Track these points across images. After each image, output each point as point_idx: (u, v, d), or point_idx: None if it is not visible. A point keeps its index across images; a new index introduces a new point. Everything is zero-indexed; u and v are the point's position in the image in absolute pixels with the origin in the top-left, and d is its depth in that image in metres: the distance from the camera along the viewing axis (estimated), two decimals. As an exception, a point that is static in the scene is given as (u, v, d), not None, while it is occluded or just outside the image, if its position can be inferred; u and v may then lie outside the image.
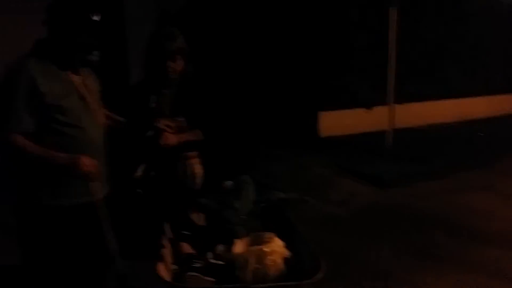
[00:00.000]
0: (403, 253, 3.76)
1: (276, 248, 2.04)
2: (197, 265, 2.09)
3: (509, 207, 4.73)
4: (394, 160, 5.96)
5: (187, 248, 2.24)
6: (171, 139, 2.52)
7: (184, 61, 2.60)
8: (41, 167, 2.12)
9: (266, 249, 2.01)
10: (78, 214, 2.21)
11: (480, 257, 3.68)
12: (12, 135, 2.03)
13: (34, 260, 2.25)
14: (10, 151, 2.11)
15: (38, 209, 2.17)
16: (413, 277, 3.41)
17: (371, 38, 7.28)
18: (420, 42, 7.76)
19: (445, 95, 8.14)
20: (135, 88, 2.73)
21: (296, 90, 7.36)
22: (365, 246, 3.88)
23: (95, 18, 2.15)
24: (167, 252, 2.14)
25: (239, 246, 2.11)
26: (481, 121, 8.24)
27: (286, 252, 2.07)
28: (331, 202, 4.90)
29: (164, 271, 1.94)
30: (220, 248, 2.18)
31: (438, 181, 5.40)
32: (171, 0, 8.47)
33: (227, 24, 7.95)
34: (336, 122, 7.27)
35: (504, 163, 6.04)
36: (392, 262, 3.63)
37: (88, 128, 2.19)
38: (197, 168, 2.74)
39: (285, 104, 7.42)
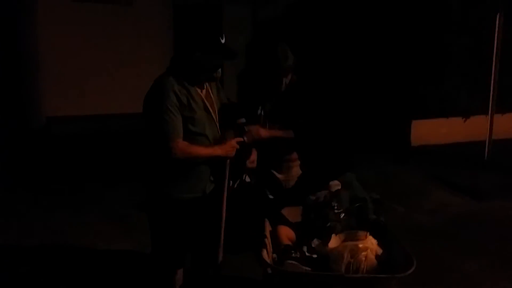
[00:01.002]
0: (494, 265, 3.72)
1: (369, 245, 2.20)
2: (295, 255, 2.31)
3: None
4: (490, 172, 5.77)
5: (286, 239, 2.47)
6: (263, 132, 2.75)
7: (292, 75, 2.86)
8: (171, 167, 2.47)
9: (360, 245, 2.18)
10: (197, 206, 2.56)
11: None
12: (175, 142, 2.38)
13: (163, 246, 2.63)
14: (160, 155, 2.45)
15: (167, 202, 2.54)
16: (500, 286, 3.39)
17: (471, 44, 7.08)
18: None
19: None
20: (247, 97, 3.03)
21: (391, 97, 7.34)
22: (455, 255, 3.88)
23: (223, 41, 2.46)
24: (268, 242, 2.38)
25: (334, 241, 2.30)
26: None
27: (379, 250, 2.22)
28: (422, 211, 4.90)
29: (267, 257, 2.19)
30: (316, 242, 2.38)
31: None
32: (266, 10, 8.82)
33: (321, 30, 8.12)
34: (430, 131, 7.16)
35: None
36: (481, 272, 3.61)
37: (209, 135, 2.54)
38: (296, 171, 2.98)
39: (379, 111, 7.43)
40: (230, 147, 2.53)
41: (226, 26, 8.08)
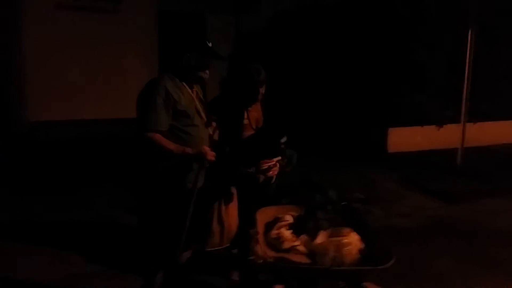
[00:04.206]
0: (463, 262, 3.98)
1: (352, 240, 2.43)
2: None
3: None
4: (462, 177, 6.09)
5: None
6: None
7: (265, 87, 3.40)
8: (158, 161, 2.70)
9: (344, 240, 2.40)
10: (182, 197, 2.76)
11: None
12: (152, 133, 2.62)
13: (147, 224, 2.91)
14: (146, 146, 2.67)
15: (155, 191, 2.78)
16: (469, 281, 3.66)
17: (445, 57, 7.43)
18: (495, 62, 7.79)
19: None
20: (232, 103, 3.42)
21: (369, 106, 7.63)
22: (427, 254, 4.12)
23: (210, 44, 2.82)
24: (260, 236, 2.59)
25: (321, 237, 2.52)
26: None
27: (361, 245, 2.45)
28: (397, 214, 5.13)
29: (260, 251, 2.40)
30: (304, 237, 2.60)
31: (504, 199, 5.50)
32: (248, 20, 9.06)
33: (302, 41, 8.39)
34: (405, 139, 7.47)
35: None
36: (451, 268, 3.86)
37: (200, 127, 2.81)
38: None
39: (358, 120, 7.71)
40: (204, 152, 2.70)
41: (209, 35, 8.28)
